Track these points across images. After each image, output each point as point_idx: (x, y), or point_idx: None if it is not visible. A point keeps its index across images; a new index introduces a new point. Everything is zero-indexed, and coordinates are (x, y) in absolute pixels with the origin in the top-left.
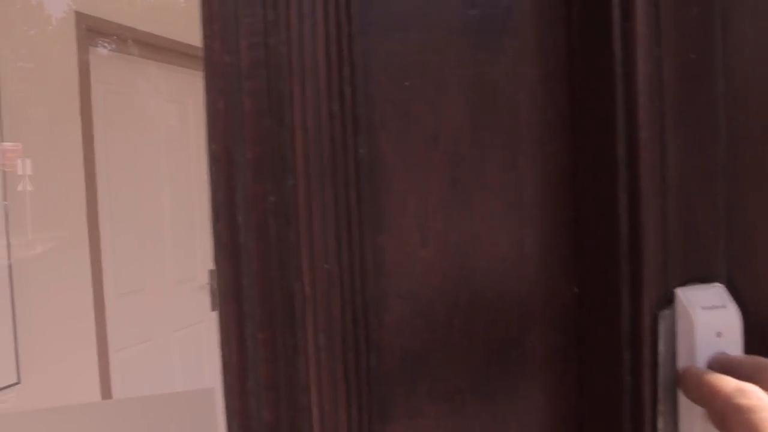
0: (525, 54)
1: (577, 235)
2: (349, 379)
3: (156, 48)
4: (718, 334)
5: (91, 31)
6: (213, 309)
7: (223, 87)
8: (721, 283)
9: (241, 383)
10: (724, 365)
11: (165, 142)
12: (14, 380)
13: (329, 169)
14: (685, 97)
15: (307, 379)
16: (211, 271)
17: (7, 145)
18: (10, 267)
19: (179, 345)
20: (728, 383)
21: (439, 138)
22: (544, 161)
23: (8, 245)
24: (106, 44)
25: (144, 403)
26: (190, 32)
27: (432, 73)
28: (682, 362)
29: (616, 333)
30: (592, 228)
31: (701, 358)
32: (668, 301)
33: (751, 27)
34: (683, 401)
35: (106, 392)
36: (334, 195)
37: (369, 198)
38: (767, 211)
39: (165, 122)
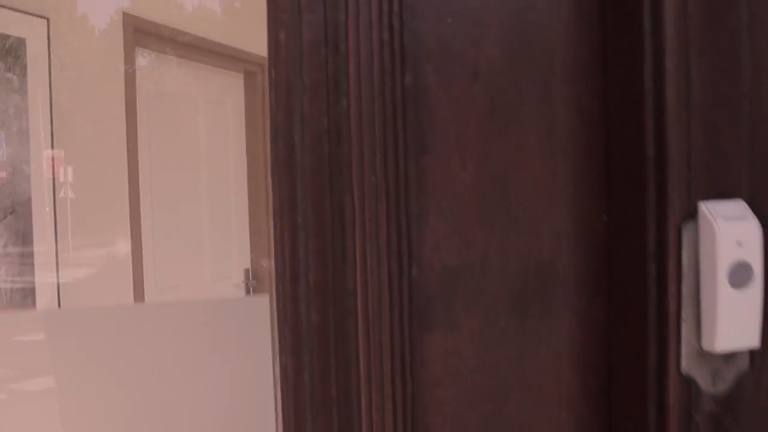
0: None
1: (608, 165)
2: (392, 287)
3: (198, 49)
4: (739, 243)
5: (138, 32)
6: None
7: (284, 20)
8: (743, 199)
9: (293, 289)
10: None
11: (205, 141)
12: None
13: (378, 94)
14: (709, 27)
15: (354, 285)
16: (246, 270)
17: (51, 152)
18: (57, 265)
19: None
20: None
21: (479, 72)
22: (576, 96)
23: (56, 249)
24: (150, 46)
25: (200, 306)
26: (230, 34)
27: (473, 11)
28: (704, 270)
29: (643, 248)
30: (621, 155)
31: (722, 266)
32: (692, 214)
33: None
34: (705, 313)
35: None
36: (382, 118)
37: (414, 122)
38: None
39: (205, 122)
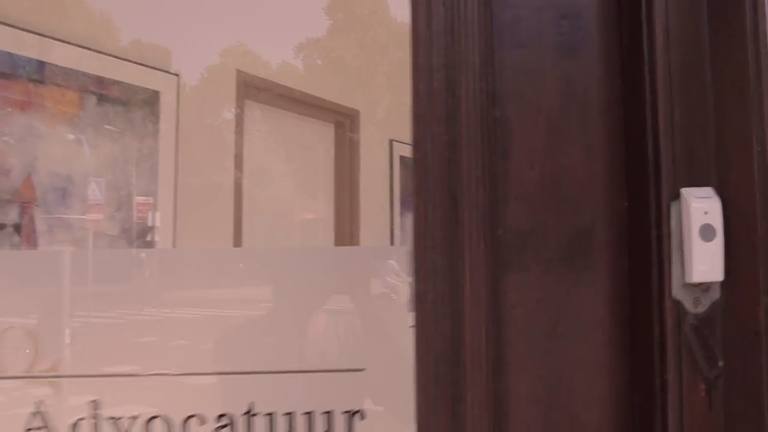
0: (594, 62)
1: (627, 166)
2: (486, 241)
3: (295, 101)
4: (706, 213)
5: (248, 86)
6: None
7: (423, 77)
8: (711, 186)
9: (424, 241)
10: None
11: (298, 183)
12: None
13: (479, 121)
14: (685, 78)
15: (462, 239)
16: None
17: (140, 199)
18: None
19: None
20: None
21: (541, 109)
22: (606, 122)
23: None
24: (256, 99)
25: (343, 252)
26: (322, 88)
27: (536, 72)
28: (684, 231)
29: (647, 219)
30: (635, 160)
31: (695, 227)
32: (677, 196)
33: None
34: (686, 258)
35: None
36: (479, 137)
37: (500, 139)
38: (740, 146)
39: (300, 166)
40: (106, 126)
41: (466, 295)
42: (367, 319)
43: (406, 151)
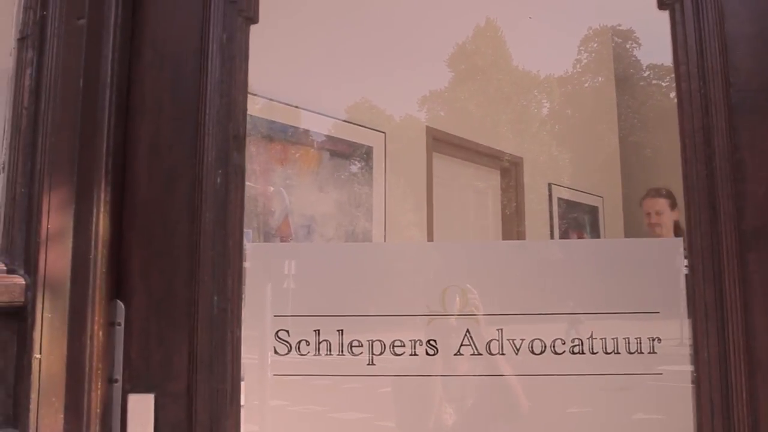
0: None
1: None
2: (735, 232)
3: (467, 151)
4: None
5: (435, 139)
6: None
7: (689, 135)
8: None
9: (694, 234)
10: None
11: (472, 222)
12: None
13: (725, 162)
14: None
15: (719, 230)
16: None
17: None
18: None
19: None
20: None
21: (764, 152)
22: None
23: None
24: (440, 150)
25: (621, 244)
26: (489, 138)
27: (759, 129)
28: None
29: None
30: None
31: None
32: None
33: None
34: None
35: None
36: (727, 170)
37: (740, 171)
38: None
39: (472, 208)
40: (336, 176)
41: (723, 265)
42: (659, 279)
43: (563, 193)
